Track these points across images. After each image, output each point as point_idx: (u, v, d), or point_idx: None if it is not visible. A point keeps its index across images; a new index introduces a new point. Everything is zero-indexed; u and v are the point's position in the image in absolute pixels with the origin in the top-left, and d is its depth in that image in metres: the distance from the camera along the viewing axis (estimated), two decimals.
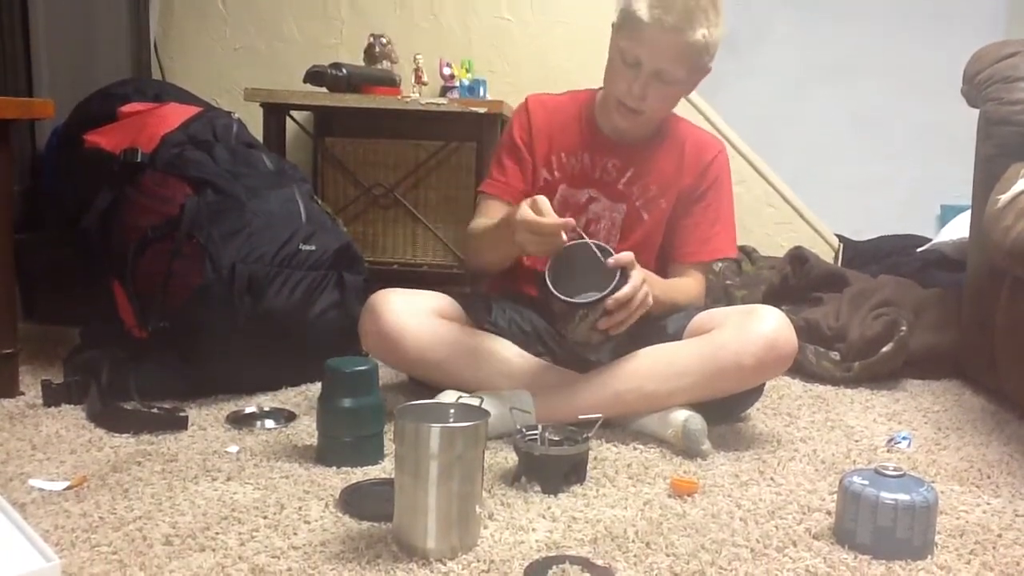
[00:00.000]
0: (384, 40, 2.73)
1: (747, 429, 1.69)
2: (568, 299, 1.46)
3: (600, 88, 1.75)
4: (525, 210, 1.45)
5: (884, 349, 2.08)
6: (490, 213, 1.73)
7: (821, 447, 1.59)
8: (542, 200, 1.46)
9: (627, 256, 1.47)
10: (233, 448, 1.46)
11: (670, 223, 1.77)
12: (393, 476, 1.16)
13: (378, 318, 1.60)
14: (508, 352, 1.64)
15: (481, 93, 2.74)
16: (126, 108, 2.04)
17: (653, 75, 1.60)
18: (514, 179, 1.77)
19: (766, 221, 3.03)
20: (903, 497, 1.13)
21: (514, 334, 1.68)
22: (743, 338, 1.52)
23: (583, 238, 1.49)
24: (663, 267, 1.77)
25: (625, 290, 1.45)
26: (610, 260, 1.46)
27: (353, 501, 1.24)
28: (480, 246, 1.72)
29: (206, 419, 1.61)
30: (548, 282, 1.47)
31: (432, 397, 1.54)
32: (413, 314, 1.61)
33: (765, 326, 1.53)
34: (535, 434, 1.37)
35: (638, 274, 1.48)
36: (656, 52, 1.58)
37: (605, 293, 1.44)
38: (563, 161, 1.75)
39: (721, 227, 1.77)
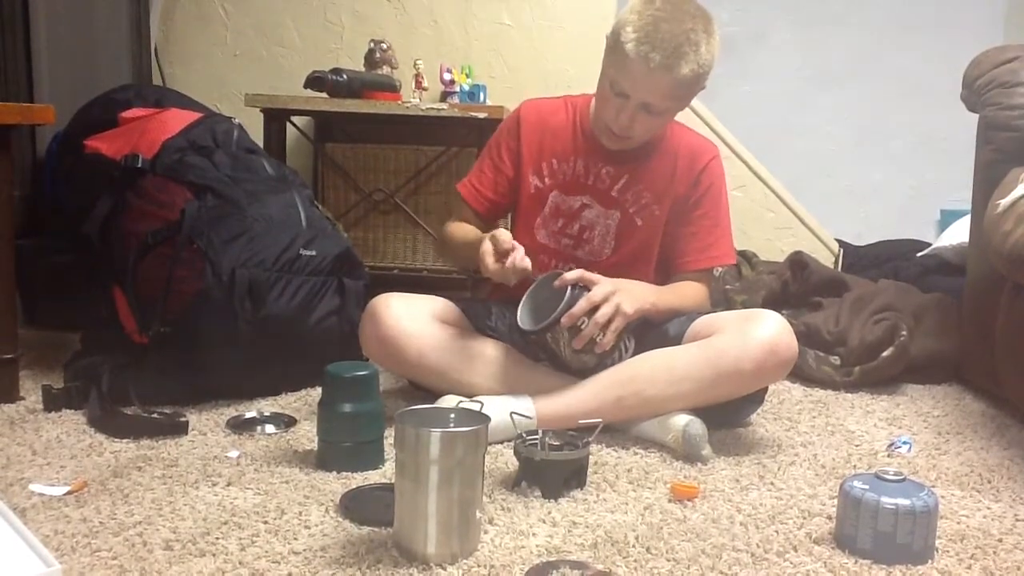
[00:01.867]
0: (384, 45, 2.73)
1: (747, 434, 1.69)
2: (529, 329, 1.53)
3: (595, 94, 1.73)
4: (486, 245, 1.50)
5: (884, 354, 2.08)
6: (461, 215, 1.81)
7: (821, 452, 1.59)
8: (501, 235, 1.50)
9: (572, 274, 1.52)
10: (233, 453, 1.46)
11: (669, 232, 1.76)
12: (393, 481, 1.16)
13: (378, 323, 1.61)
14: (508, 357, 1.64)
15: (481, 98, 2.75)
16: (127, 114, 2.04)
17: (640, 107, 1.59)
18: (485, 187, 1.79)
19: (766, 226, 3.03)
20: (904, 502, 1.13)
21: (514, 339, 1.68)
22: (743, 343, 1.52)
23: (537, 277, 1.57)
24: (665, 278, 1.77)
25: (580, 304, 1.49)
26: (555, 282, 1.52)
27: (353, 506, 1.24)
28: (455, 253, 1.78)
29: (206, 424, 1.61)
30: (519, 323, 1.54)
31: (432, 402, 1.55)
32: (413, 319, 1.61)
33: (765, 331, 1.53)
34: (535, 439, 1.37)
35: (601, 288, 1.51)
36: (642, 88, 1.56)
37: (556, 313, 1.49)
38: (554, 167, 1.75)
39: (720, 233, 1.77)
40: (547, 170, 1.75)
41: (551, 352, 1.57)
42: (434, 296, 1.70)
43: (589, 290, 1.51)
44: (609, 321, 1.51)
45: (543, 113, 1.78)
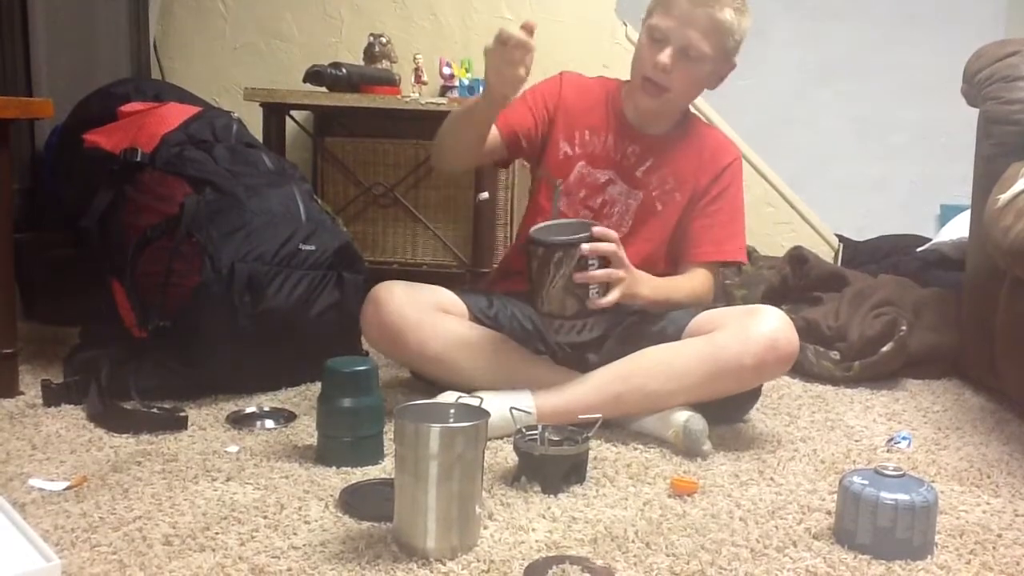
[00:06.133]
0: (384, 39, 2.73)
1: (747, 429, 1.69)
2: (546, 239, 1.50)
3: (627, 81, 1.77)
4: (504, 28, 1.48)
5: (884, 349, 2.08)
6: None
7: (821, 447, 1.59)
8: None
9: (614, 232, 1.52)
10: (233, 448, 1.46)
11: (682, 225, 1.77)
12: (393, 476, 1.16)
13: (380, 309, 1.61)
14: (509, 349, 1.64)
15: (480, 92, 2.74)
16: (126, 108, 2.04)
17: (680, 51, 1.63)
18: (514, 116, 1.75)
19: (766, 221, 3.03)
20: (903, 497, 1.13)
21: (514, 331, 1.68)
22: (744, 338, 1.52)
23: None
24: (673, 271, 1.78)
25: (606, 246, 1.48)
26: (595, 229, 1.50)
27: (353, 501, 1.24)
28: (452, 121, 1.73)
29: (206, 419, 1.61)
30: (533, 230, 1.53)
31: (432, 395, 1.55)
32: (415, 307, 1.61)
33: (766, 326, 1.53)
34: (535, 434, 1.37)
35: (624, 256, 1.52)
36: (684, 24, 1.62)
37: (581, 236, 1.48)
38: (586, 139, 1.76)
39: (735, 231, 1.78)
40: (578, 139, 1.76)
41: (541, 278, 1.52)
42: (436, 286, 1.70)
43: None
44: (608, 286, 1.51)
45: (583, 86, 1.81)
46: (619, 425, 1.60)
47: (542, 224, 1.58)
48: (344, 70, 2.49)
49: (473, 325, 1.66)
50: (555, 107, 1.77)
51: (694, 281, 1.73)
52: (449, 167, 1.86)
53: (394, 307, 1.60)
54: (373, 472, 1.38)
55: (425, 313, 1.61)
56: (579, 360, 1.66)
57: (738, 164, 1.80)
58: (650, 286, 1.63)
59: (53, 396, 1.64)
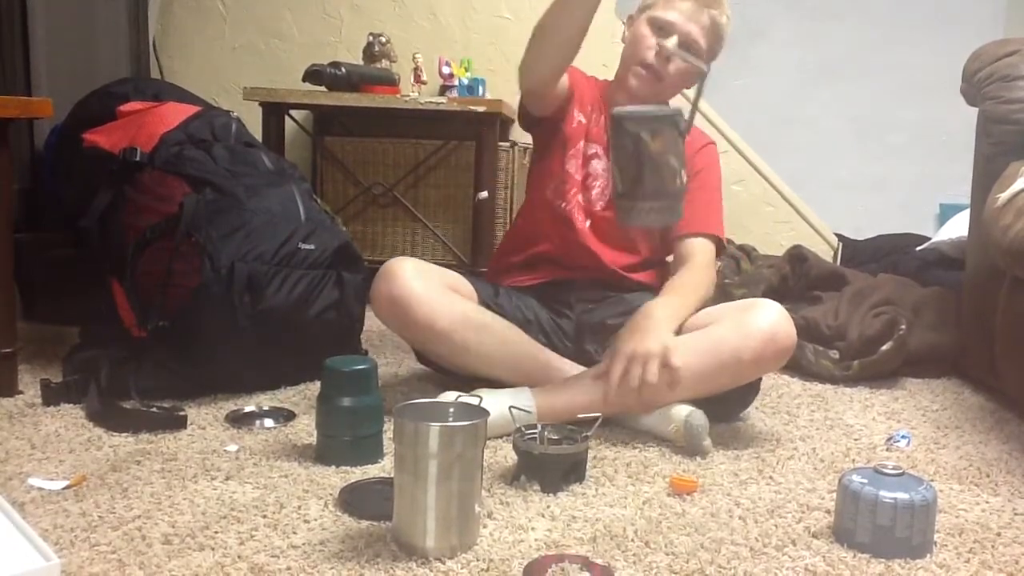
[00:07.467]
0: (383, 39, 2.73)
1: (746, 428, 1.69)
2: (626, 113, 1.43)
3: (613, 80, 1.82)
4: None
5: (883, 348, 2.08)
6: None
7: (820, 446, 1.59)
8: None
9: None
10: (232, 447, 1.46)
11: None
12: (392, 475, 1.16)
13: (390, 282, 1.61)
14: (516, 332, 1.66)
15: (480, 92, 2.74)
16: (125, 107, 2.04)
17: (681, 43, 1.70)
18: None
19: (765, 220, 3.03)
20: (902, 496, 1.13)
21: (517, 319, 1.70)
22: (742, 332, 1.53)
23: None
24: (655, 250, 1.83)
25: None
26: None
27: (352, 500, 1.24)
28: (557, 10, 1.59)
29: (205, 418, 1.61)
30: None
31: (432, 394, 1.55)
32: (425, 281, 1.61)
33: (764, 320, 1.54)
34: (534, 433, 1.37)
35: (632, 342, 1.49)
36: (689, 20, 1.71)
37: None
38: (588, 111, 1.81)
39: (713, 209, 1.81)
40: (584, 113, 1.81)
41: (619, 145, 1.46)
42: (447, 268, 1.72)
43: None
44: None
45: (583, 75, 1.86)
46: (618, 423, 1.60)
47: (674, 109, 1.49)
48: (343, 69, 2.49)
49: (480, 307, 1.67)
50: (574, 83, 1.81)
51: (694, 281, 1.71)
52: (548, 67, 1.66)
53: (405, 280, 1.60)
54: (372, 471, 1.38)
55: (435, 288, 1.62)
56: (580, 353, 1.67)
57: (712, 149, 1.86)
58: (677, 311, 1.61)
59: (52, 395, 1.64)
